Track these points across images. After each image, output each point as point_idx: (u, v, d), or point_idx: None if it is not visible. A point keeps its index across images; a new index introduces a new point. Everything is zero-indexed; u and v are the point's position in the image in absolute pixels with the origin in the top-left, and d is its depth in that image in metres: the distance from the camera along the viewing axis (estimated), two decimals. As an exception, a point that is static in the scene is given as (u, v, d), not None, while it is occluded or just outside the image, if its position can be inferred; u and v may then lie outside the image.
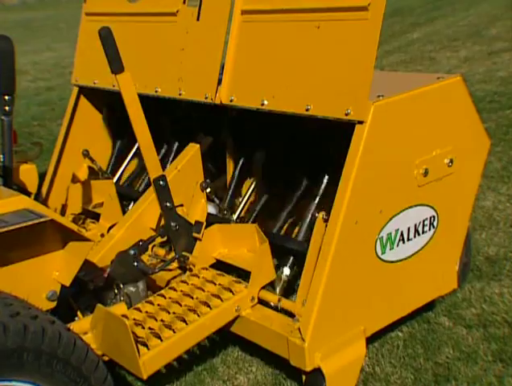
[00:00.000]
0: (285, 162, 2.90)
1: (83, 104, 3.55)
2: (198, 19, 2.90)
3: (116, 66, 2.42)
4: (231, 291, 2.46)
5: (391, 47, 9.59)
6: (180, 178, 2.91)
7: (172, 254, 2.78)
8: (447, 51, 9.01)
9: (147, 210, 2.86)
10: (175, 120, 3.33)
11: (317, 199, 2.68)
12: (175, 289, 2.53)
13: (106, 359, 2.26)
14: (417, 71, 7.63)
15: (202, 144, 3.04)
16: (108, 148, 3.65)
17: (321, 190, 2.67)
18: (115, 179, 3.50)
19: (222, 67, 2.75)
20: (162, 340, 2.24)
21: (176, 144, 3.31)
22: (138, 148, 3.32)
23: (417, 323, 2.90)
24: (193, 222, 2.80)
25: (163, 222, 2.76)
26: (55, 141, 3.56)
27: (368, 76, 2.23)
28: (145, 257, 2.73)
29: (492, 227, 3.77)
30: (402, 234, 2.49)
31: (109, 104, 3.55)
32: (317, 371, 2.30)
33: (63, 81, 9.15)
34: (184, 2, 2.97)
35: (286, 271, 2.64)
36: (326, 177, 2.67)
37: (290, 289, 2.74)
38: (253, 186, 3.00)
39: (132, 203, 3.22)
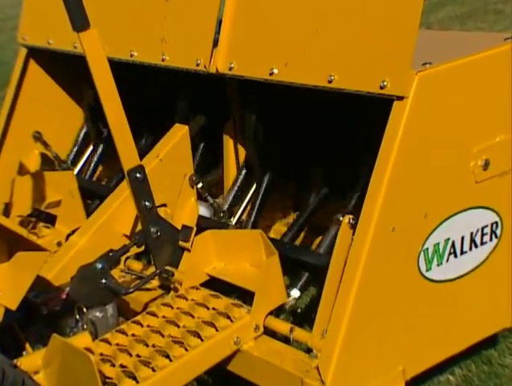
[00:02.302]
0: (300, 150, 2.94)
1: (33, 70, 3.60)
2: (187, -40, 2.94)
3: (78, 21, 2.45)
4: (228, 317, 2.49)
5: (443, -4, 9.60)
6: (163, 170, 2.94)
7: (152, 269, 2.82)
8: (519, 2, 9.01)
9: (119, 211, 2.90)
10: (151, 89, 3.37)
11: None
12: (155, 315, 2.56)
13: (64, 405, 2.30)
14: (478, 30, 7.63)
15: (192, 125, 3.09)
16: (67, 129, 3.69)
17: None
18: (76, 171, 3.54)
19: (219, 25, 2.79)
20: (137, 381, 2.26)
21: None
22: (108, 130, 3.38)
23: (474, 364, 2.92)
24: (180, 227, 2.84)
25: (139, 227, 2.80)
26: (-3, 120, 3.62)
27: (410, 38, 2.26)
28: (116, 273, 2.77)
29: None
30: (453, 245, 2.52)
31: (68, 71, 3.59)
32: (341, 425, 2.34)
33: (3, 39, 9.17)
34: None
35: (295, 293, 2.67)
36: (353, 169, 2.71)
37: (306, 316, 2.77)
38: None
39: (99, 202, 3.26)
